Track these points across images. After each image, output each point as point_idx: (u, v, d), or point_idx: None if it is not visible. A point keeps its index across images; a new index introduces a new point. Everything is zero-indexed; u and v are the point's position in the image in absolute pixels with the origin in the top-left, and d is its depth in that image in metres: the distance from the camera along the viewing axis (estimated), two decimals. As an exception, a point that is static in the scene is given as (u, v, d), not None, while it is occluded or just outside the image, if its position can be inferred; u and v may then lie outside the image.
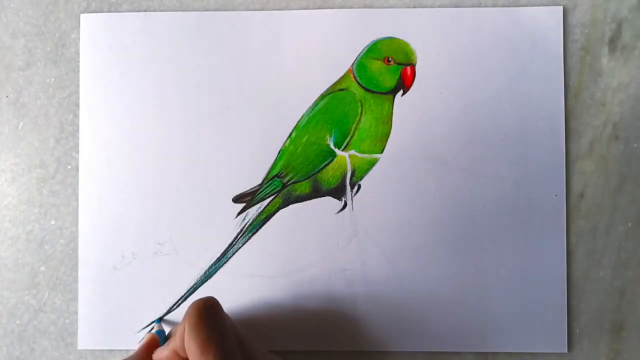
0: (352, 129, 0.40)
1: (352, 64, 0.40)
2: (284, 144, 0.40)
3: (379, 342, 0.39)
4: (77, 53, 0.41)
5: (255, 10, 0.41)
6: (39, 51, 0.41)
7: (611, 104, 0.40)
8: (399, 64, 0.40)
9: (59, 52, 0.41)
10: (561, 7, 0.40)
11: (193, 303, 0.33)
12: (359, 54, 0.40)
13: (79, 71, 0.41)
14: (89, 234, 0.40)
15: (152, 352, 0.36)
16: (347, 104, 0.40)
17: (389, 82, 0.40)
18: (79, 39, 0.41)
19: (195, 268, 0.40)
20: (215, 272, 0.40)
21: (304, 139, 0.40)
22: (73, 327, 0.40)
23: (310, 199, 0.40)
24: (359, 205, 0.39)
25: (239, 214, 0.40)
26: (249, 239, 0.40)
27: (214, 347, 0.31)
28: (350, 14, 0.40)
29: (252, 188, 0.40)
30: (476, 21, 0.40)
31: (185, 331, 0.32)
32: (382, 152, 0.40)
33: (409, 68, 0.40)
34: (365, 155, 0.40)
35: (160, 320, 0.39)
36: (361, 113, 0.40)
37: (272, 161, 0.40)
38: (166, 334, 0.38)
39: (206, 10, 0.41)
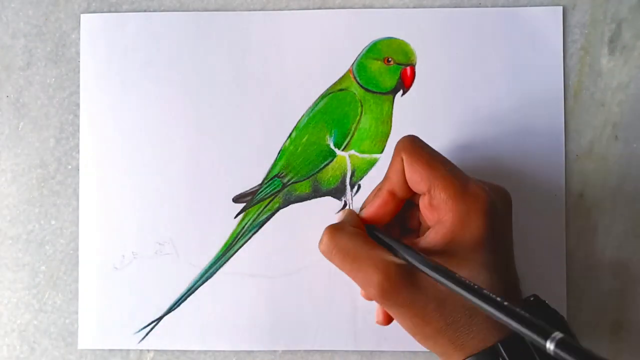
0: (352, 129, 0.40)
1: (352, 64, 0.40)
2: (284, 144, 0.40)
3: (379, 342, 0.39)
4: (77, 53, 0.41)
5: (255, 10, 0.41)
6: (39, 51, 0.41)
7: (611, 104, 0.40)
8: (398, 64, 0.40)
9: (59, 52, 0.41)
10: (561, 7, 0.40)
11: (400, 140, 0.33)
12: (359, 54, 0.40)
13: (79, 71, 0.41)
14: (89, 233, 0.40)
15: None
16: (347, 104, 0.40)
17: (389, 82, 0.40)
18: (79, 39, 0.41)
19: (195, 268, 0.40)
20: (215, 272, 0.40)
21: (304, 139, 0.40)
22: (73, 327, 0.40)
23: (310, 199, 0.40)
24: (359, 205, 0.40)
25: (239, 214, 0.40)
26: (249, 238, 0.40)
27: (441, 161, 0.32)
28: (350, 14, 0.40)
29: (252, 188, 0.40)
30: (476, 21, 0.40)
31: (405, 163, 0.32)
32: (382, 152, 0.40)
33: (408, 68, 0.40)
34: (365, 156, 0.40)
35: None
36: (361, 113, 0.40)
37: (272, 161, 0.40)
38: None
39: (206, 10, 0.41)
